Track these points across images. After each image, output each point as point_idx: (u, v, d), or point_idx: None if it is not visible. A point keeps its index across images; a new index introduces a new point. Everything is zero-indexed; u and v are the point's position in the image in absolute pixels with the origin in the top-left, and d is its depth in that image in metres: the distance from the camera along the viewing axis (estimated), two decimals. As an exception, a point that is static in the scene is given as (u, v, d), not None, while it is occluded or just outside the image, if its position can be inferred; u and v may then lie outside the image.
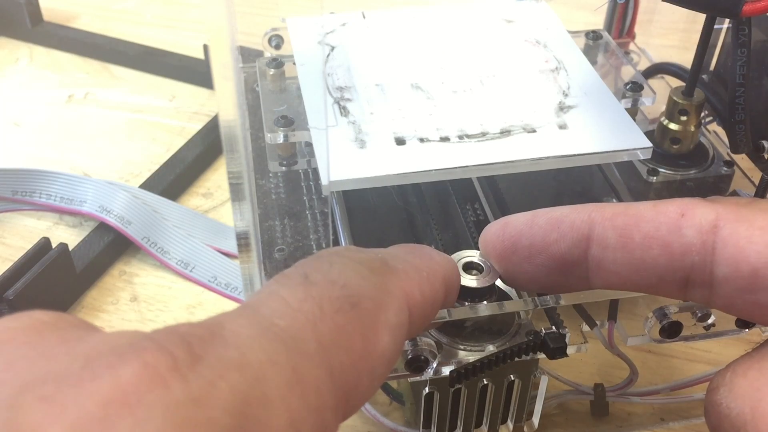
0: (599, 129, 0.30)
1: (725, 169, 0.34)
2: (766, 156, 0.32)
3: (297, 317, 0.17)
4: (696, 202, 0.22)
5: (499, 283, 0.27)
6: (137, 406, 0.13)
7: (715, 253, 0.21)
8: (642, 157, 0.30)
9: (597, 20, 0.40)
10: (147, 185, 0.46)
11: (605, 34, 0.37)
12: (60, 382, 0.14)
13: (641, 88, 0.33)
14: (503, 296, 0.27)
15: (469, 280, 0.26)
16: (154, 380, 0.14)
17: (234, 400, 0.14)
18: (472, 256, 0.27)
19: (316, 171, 0.30)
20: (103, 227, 0.42)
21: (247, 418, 0.14)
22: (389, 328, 0.19)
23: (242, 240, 0.23)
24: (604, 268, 0.23)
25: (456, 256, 0.27)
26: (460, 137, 0.29)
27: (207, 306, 0.40)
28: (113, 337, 0.15)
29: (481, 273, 0.26)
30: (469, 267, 0.27)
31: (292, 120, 0.31)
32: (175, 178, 0.47)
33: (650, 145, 0.29)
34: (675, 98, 0.33)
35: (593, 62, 0.34)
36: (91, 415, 0.13)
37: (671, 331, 0.28)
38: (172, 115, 0.54)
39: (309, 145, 0.31)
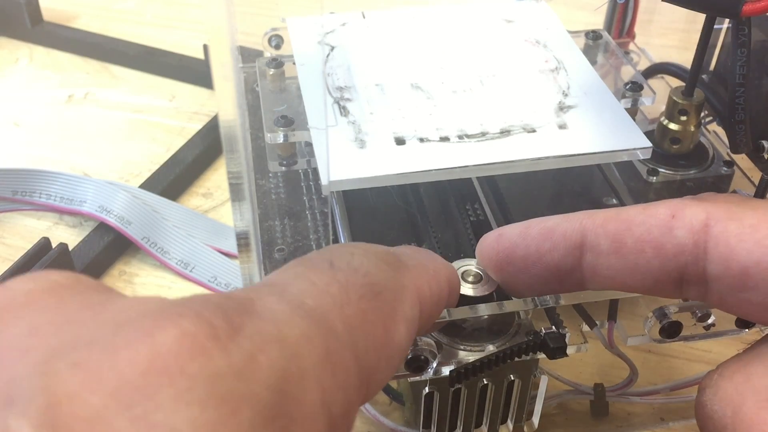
0: (599, 129, 0.30)
1: (725, 169, 0.34)
2: (766, 156, 0.32)
3: (325, 298, 0.17)
4: (686, 203, 0.22)
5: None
6: (179, 375, 0.13)
7: (707, 251, 0.21)
8: (642, 157, 0.30)
9: (597, 20, 0.40)
10: (147, 185, 0.46)
11: (605, 34, 0.37)
12: (92, 348, 0.13)
13: (641, 88, 0.33)
14: (503, 296, 0.27)
15: (467, 289, 0.26)
16: (194, 349, 0.13)
17: (274, 375, 0.14)
18: (470, 264, 0.27)
19: (316, 171, 0.30)
20: (103, 227, 0.42)
21: (285, 394, 0.14)
22: (405, 320, 0.19)
23: (242, 240, 0.23)
24: (599, 274, 0.23)
25: (455, 264, 0.27)
26: (460, 137, 0.29)
27: (207, 306, 0.40)
28: (139, 303, 0.15)
29: (479, 282, 0.26)
30: (467, 276, 0.27)
31: (292, 120, 0.31)
32: (175, 178, 0.47)
33: (650, 145, 0.29)
34: (675, 98, 0.33)
35: (593, 62, 0.34)
36: (131, 383, 0.13)
37: (671, 331, 0.28)
38: (172, 115, 0.54)
39: (309, 145, 0.31)
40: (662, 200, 0.23)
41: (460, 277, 0.26)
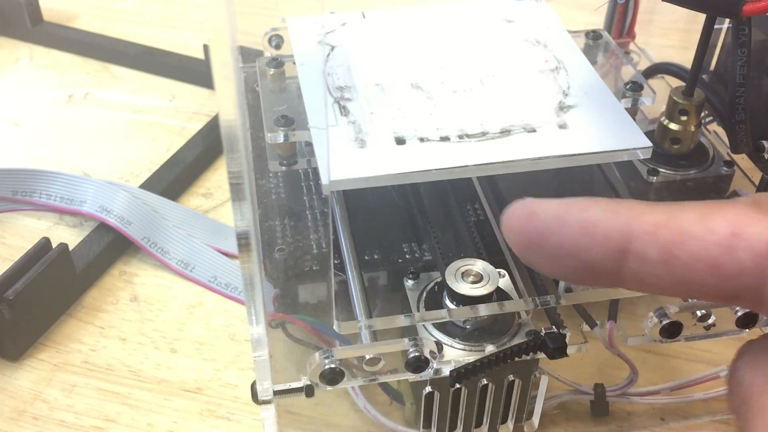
0: (599, 129, 0.30)
1: (725, 169, 0.34)
2: (766, 156, 0.32)
3: None
4: (748, 219, 0.20)
5: (499, 283, 0.27)
6: None
7: None
8: (642, 157, 0.30)
9: (597, 20, 0.40)
10: (147, 185, 0.46)
11: (605, 34, 0.37)
12: None
13: (641, 88, 0.33)
14: (503, 296, 0.27)
15: (468, 289, 0.26)
16: None
17: None
18: (471, 264, 0.27)
19: (316, 171, 0.30)
20: (103, 227, 0.42)
21: None
22: None
23: (242, 240, 0.23)
24: (642, 281, 0.21)
25: (454, 264, 0.27)
26: (460, 137, 0.29)
27: (207, 306, 0.40)
28: None
29: (480, 281, 0.26)
30: (467, 276, 0.27)
31: (292, 120, 0.31)
32: (175, 178, 0.47)
33: (650, 145, 0.29)
34: (675, 98, 0.33)
35: (593, 62, 0.34)
36: None
37: (671, 331, 0.28)
38: (172, 115, 0.54)
39: (309, 144, 0.31)
40: (719, 208, 0.21)
41: (459, 276, 0.26)
